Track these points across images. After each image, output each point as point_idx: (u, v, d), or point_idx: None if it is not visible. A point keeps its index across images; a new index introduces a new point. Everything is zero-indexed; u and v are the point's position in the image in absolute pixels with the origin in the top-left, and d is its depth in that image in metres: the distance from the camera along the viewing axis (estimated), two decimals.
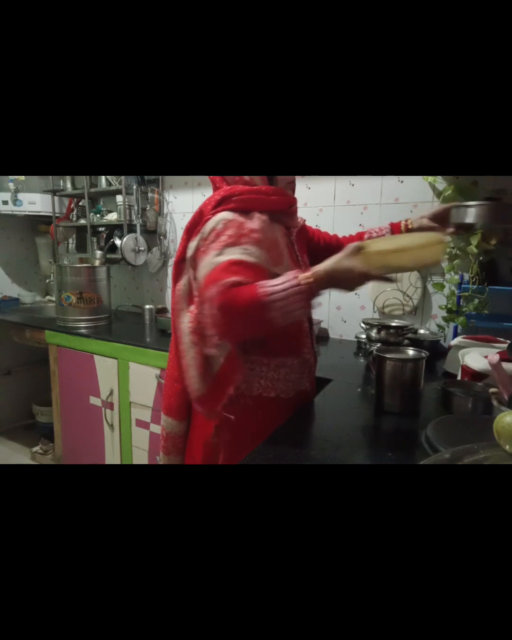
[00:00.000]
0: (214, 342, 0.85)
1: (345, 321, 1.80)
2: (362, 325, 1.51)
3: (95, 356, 1.73)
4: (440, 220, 0.98)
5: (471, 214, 0.92)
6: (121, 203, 2.04)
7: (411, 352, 0.97)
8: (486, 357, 0.87)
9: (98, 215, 2.23)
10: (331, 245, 1.10)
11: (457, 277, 1.46)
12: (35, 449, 2.19)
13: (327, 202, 1.77)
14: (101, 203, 2.36)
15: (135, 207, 2.08)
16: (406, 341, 1.43)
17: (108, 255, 2.16)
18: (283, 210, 0.93)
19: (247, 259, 0.79)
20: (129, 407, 1.67)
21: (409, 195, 1.59)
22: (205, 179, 1.99)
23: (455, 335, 1.43)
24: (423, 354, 0.93)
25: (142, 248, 2.10)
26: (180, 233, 2.12)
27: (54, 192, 2.30)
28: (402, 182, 1.60)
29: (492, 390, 0.81)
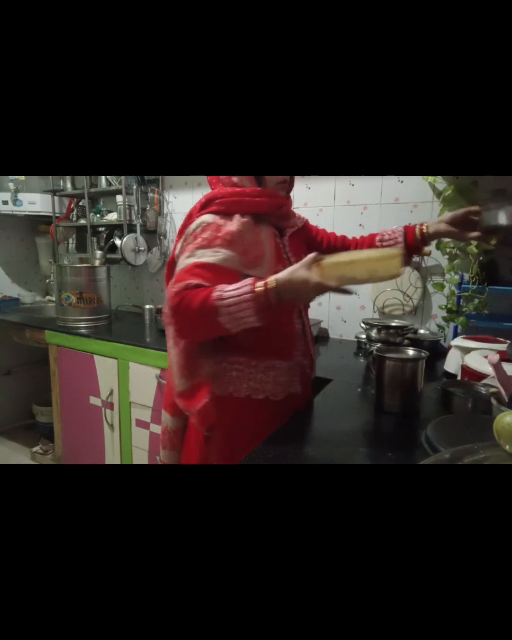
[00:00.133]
0: (176, 340, 0.90)
1: (345, 321, 1.80)
2: (362, 325, 1.52)
3: (95, 356, 1.73)
4: (458, 224, 0.93)
5: (506, 215, 0.87)
6: (121, 203, 2.04)
7: (411, 352, 0.97)
8: (486, 357, 0.87)
9: (98, 215, 2.23)
10: (333, 247, 1.07)
11: (457, 277, 1.46)
12: (35, 449, 2.19)
13: (327, 202, 1.77)
14: (101, 203, 2.36)
15: (135, 207, 2.08)
16: (406, 341, 1.43)
17: (108, 255, 2.16)
18: (271, 212, 0.92)
19: (214, 262, 0.81)
20: (129, 407, 1.67)
21: (409, 195, 1.59)
22: (205, 179, 1.99)
23: (455, 335, 1.43)
24: (423, 354, 0.93)
25: (142, 248, 2.10)
26: None
27: (54, 192, 2.30)
28: (402, 182, 1.60)
29: (492, 390, 0.81)
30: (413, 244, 0.98)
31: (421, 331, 1.59)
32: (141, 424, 1.64)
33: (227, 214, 0.88)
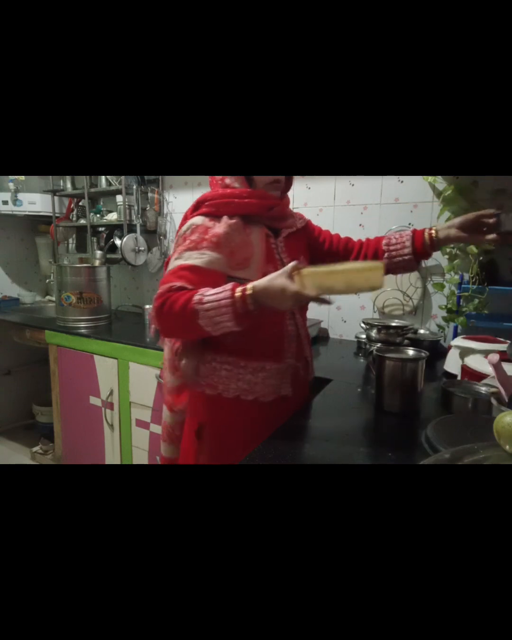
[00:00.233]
0: (162, 339, 0.93)
1: (345, 321, 1.80)
2: (362, 325, 1.51)
3: (95, 356, 1.73)
4: (469, 228, 0.89)
5: None
6: (121, 203, 2.04)
7: (411, 352, 0.97)
8: (486, 357, 0.87)
9: (98, 215, 2.23)
10: (335, 249, 1.04)
11: (457, 277, 1.46)
12: (35, 449, 2.19)
13: (327, 202, 1.77)
14: (101, 203, 2.36)
15: (135, 207, 2.08)
16: (406, 341, 1.43)
17: (108, 255, 2.16)
18: (261, 213, 0.92)
19: (199, 264, 0.83)
20: (129, 407, 1.67)
21: (409, 195, 1.59)
22: (205, 179, 1.99)
23: (455, 335, 1.43)
24: (423, 354, 0.93)
25: (142, 248, 2.10)
26: None
27: (54, 192, 2.30)
28: (402, 182, 1.60)
29: (492, 390, 0.81)
30: (421, 249, 0.93)
31: (421, 331, 1.59)
32: (141, 424, 1.64)
33: (216, 216, 0.89)
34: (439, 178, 1.50)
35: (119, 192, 2.05)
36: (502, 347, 1.11)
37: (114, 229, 2.20)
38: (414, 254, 0.93)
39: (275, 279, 0.74)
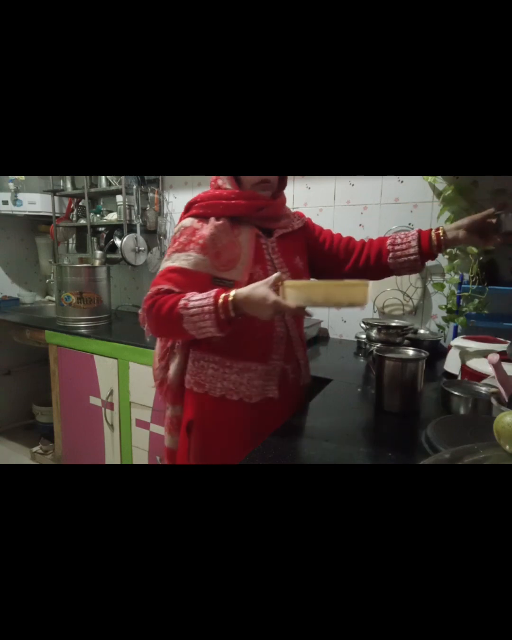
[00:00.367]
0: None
1: (345, 321, 1.80)
2: (362, 325, 1.51)
3: (95, 356, 1.73)
4: (477, 230, 0.87)
5: None
6: (121, 203, 2.04)
7: (411, 352, 0.97)
8: (486, 357, 0.87)
9: (98, 215, 2.23)
10: (336, 249, 1.02)
11: (457, 277, 1.46)
12: (35, 449, 2.19)
13: (327, 202, 1.77)
14: (101, 203, 2.36)
15: (135, 207, 2.08)
16: (406, 341, 1.43)
17: (108, 255, 2.16)
18: (249, 214, 0.92)
19: (186, 266, 0.86)
20: (129, 407, 1.67)
21: (409, 195, 1.59)
22: (206, 179, 1.99)
23: (455, 335, 1.43)
24: (423, 354, 0.93)
25: (142, 248, 2.10)
26: None
27: (54, 192, 2.30)
28: (402, 182, 1.60)
29: (492, 390, 0.81)
30: (428, 250, 0.91)
31: (421, 331, 1.59)
32: (141, 424, 1.64)
33: (204, 217, 0.91)
34: (439, 178, 1.50)
35: (119, 192, 2.05)
36: (502, 347, 1.11)
37: (114, 229, 2.20)
38: (420, 254, 0.92)
39: (257, 287, 0.76)
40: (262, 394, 0.94)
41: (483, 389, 0.89)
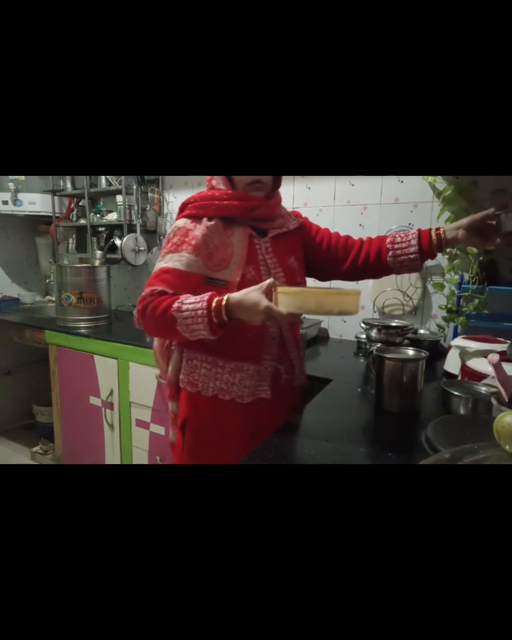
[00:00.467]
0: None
1: (345, 321, 1.80)
2: (362, 325, 1.51)
3: (95, 356, 1.73)
4: (477, 230, 0.86)
5: None
6: (121, 203, 2.04)
7: (411, 352, 0.97)
8: (486, 357, 0.87)
9: (98, 215, 2.23)
10: (334, 249, 1.01)
11: (457, 277, 1.46)
12: (35, 449, 2.19)
13: (327, 202, 1.77)
14: (101, 203, 2.36)
15: (135, 207, 2.08)
16: (406, 341, 1.43)
17: (108, 255, 2.16)
18: (242, 214, 0.92)
19: (178, 267, 0.87)
20: (129, 407, 1.67)
21: (409, 195, 1.59)
22: (205, 179, 1.99)
23: (455, 335, 1.43)
24: (423, 354, 0.93)
25: (142, 248, 2.10)
26: None
27: (54, 192, 2.30)
28: (402, 182, 1.60)
29: (492, 390, 0.81)
30: (428, 249, 0.91)
31: (421, 331, 1.59)
32: (141, 424, 1.64)
33: (198, 218, 0.91)
34: (439, 178, 1.50)
35: (119, 192, 2.05)
36: (502, 347, 1.11)
37: (114, 229, 2.20)
38: (420, 253, 0.92)
39: (250, 292, 0.76)
40: (255, 394, 0.94)
41: (483, 389, 0.90)
